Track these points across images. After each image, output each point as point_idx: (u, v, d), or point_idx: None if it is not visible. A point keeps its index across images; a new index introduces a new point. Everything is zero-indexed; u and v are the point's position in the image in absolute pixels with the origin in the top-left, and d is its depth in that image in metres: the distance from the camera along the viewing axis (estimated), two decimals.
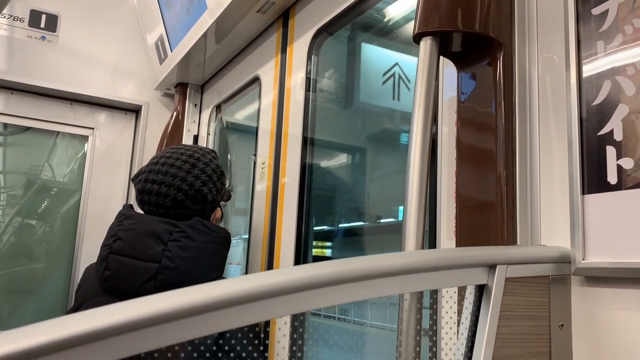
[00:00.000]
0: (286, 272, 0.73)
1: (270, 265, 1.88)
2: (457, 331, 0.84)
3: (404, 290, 0.79)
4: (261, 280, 0.70)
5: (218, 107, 2.75)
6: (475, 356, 0.76)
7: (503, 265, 0.79)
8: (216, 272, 1.70)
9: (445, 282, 0.79)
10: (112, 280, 1.61)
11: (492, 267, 0.79)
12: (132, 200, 2.88)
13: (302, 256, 1.75)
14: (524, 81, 0.99)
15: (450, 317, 1.00)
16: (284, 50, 2.04)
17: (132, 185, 2.94)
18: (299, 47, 1.94)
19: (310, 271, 0.74)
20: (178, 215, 1.68)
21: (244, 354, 1.53)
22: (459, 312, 0.90)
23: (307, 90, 1.86)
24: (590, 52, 0.85)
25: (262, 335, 1.74)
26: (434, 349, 1.09)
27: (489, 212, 0.97)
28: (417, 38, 1.01)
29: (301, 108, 1.86)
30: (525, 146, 0.98)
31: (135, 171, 2.92)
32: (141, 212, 1.74)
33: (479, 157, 1.02)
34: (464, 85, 1.06)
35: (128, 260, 1.61)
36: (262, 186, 2.05)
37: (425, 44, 0.98)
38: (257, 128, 2.19)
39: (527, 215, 0.95)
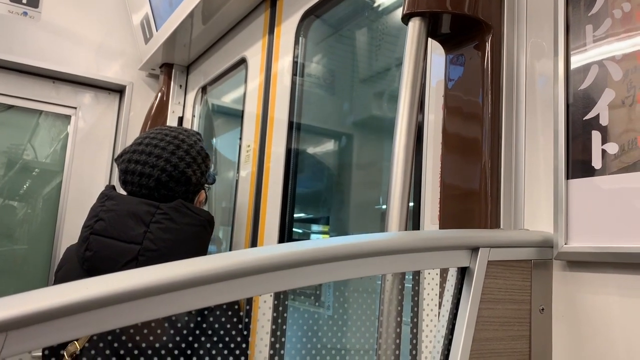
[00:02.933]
0: (268, 249, 0.72)
1: (254, 247, 1.88)
2: (439, 313, 0.84)
3: (386, 270, 0.78)
4: (242, 256, 0.69)
5: (204, 89, 2.72)
6: (455, 338, 0.76)
7: (486, 248, 0.79)
8: (198, 254, 1.67)
9: (428, 263, 0.78)
10: (93, 261, 1.59)
11: (474, 249, 0.79)
12: (115, 182, 2.84)
13: (286, 238, 1.74)
14: (511, 65, 0.99)
15: (432, 299, 1.00)
16: (271, 31, 2.01)
17: (115, 166, 2.91)
18: (287, 29, 1.92)
19: (291, 249, 0.73)
20: (161, 197, 1.66)
21: (222, 332, 1.53)
22: (441, 294, 0.90)
23: (294, 73, 1.84)
24: (578, 36, 0.85)
25: (242, 314, 1.74)
26: (415, 330, 1.10)
27: (473, 198, 0.97)
28: (406, 19, 0.99)
29: (288, 91, 1.84)
30: (512, 132, 0.97)
31: (118, 152, 2.88)
32: (124, 193, 1.72)
33: (464, 144, 1.01)
34: (451, 69, 1.05)
35: (109, 241, 1.59)
36: (247, 169, 2.03)
37: (414, 24, 0.97)
38: (242, 110, 2.17)
39: (510, 200, 0.94)
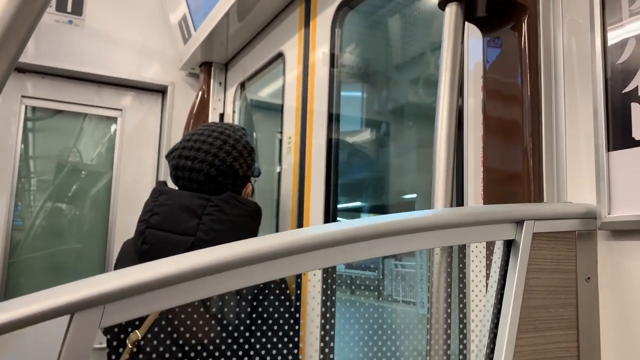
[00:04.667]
0: (324, 227, 0.77)
1: None
2: (486, 284, 0.88)
3: (435, 244, 0.83)
4: (300, 234, 0.74)
5: (242, 85, 2.79)
6: (504, 307, 0.80)
7: (530, 221, 0.82)
8: None
9: (474, 237, 0.82)
10: (149, 253, 1.68)
11: (519, 222, 0.83)
12: (162, 178, 2.95)
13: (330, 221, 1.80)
14: (548, 44, 1.01)
15: (480, 271, 1.03)
16: (307, 25, 2.06)
17: (161, 164, 3.02)
18: (323, 21, 1.96)
19: (345, 226, 0.78)
20: (211, 190, 1.73)
21: (276, 316, 1.59)
22: (488, 266, 0.94)
23: (332, 65, 1.88)
24: (614, 10, 0.87)
25: (292, 298, 1.81)
26: (464, 300, 1.13)
27: (516, 178, 1.00)
28: (442, 4, 1.03)
29: (326, 82, 1.88)
30: (551, 110, 1.00)
31: (164, 151, 2.99)
32: (175, 188, 1.80)
33: (505, 125, 1.04)
34: (489, 51, 1.08)
35: (164, 234, 1.67)
36: (289, 161, 2.09)
37: (451, 9, 1.01)
38: (282, 103, 2.23)
39: (553, 177, 0.97)
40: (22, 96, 2.87)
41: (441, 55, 0.99)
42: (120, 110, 3.06)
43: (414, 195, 2.05)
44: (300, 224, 1.95)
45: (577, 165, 0.95)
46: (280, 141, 2.72)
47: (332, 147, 1.85)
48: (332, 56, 1.89)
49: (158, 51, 3.05)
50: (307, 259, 0.69)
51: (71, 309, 0.54)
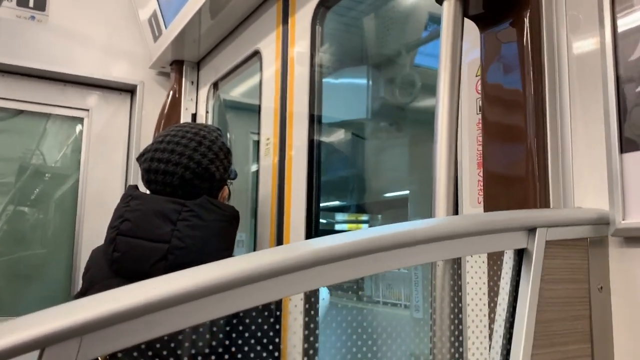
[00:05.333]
0: (313, 243, 0.70)
1: (279, 238, 1.86)
2: (489, 297, 0.83)
3: (441, 257, 0.77)
4: (293, 252, 0.67)
5: (215, 84, 2.70)
6: (517, 321, 0.75)
7: (543, 228, 0.77)
8: (227, 250, 1.67)
9: (484, 247, 0.77)
10: (121, 261, 1.58)
11: (531, 230, 0.77)
12: (132, 182, 2.84)
13: (313, 229, 1.73)
14: (551, 40, 0.96)
15: (476, 283, 0.98)
16: (285, 21, 1.99)
17: (130, 167, 2.90)
18: (302, 18, 1.89)
19: (340, 241, 0.71)
20: (186, 194, 1.65)
21: (259, 333, 1.51)
22: (491, 278, 0.88)
23: (312, 63, 1.81)
24: (625, 4, 0.82)
25: (278, 313, 1.72)
26: (460, 316, 1.08)
27: (520, 181, 0.95)
28: None
29: (306, 81, 1.81)
30: (556, 110, 0.95)
31: (133, 153, 2.87)
32: (147, 192, 1.70)
33: (506, 126, 0.99)
34: (487, 48, 1.03)
35: (136, 241, 1.58)
36: (268, 162, 2.01)
37: (449, 4, 0.95)
38: (259, 103, 2.15)
39: (559, 180, 0.92)
40: None
41: (440, 52, 0.94)
42: (87, 110, 2.93)
43: (398, 193, 2.00)
44: (280, 227, 1.88)
45: (584, 168, 0.91)
46: (256, 142, 2.64)
47: (314, 147, 1.78)
48: (313, 54, 1.82)
49: (126, 49, 2.92)
50: (309, 276, 0.62)
51: (41, 344, 0.46)
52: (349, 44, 2.29)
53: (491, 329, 0.87)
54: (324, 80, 1.89)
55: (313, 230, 1.73)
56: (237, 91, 2.73)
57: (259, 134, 2.13)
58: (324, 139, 1.96)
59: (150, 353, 0.66)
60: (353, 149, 2.30)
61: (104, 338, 0.49)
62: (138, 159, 1.75)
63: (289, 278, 0.64)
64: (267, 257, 0.63)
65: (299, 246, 0.68)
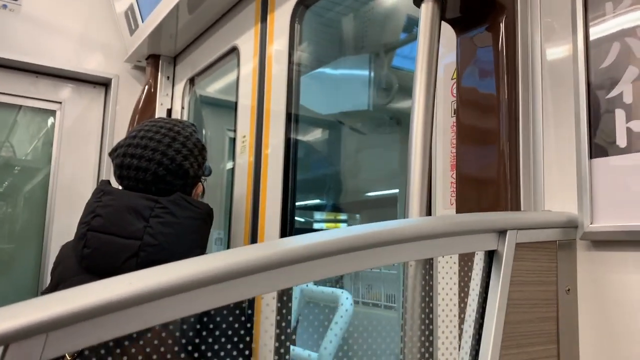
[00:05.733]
0: (286, 241, 0.70)
1: (254, 238, 1.85)
2: (460, 298, 0.84)
3: (413, 257, 0.77)
4: (265, 250, 0.67)
5: (192, 80, 2.67)
6: (486, 323, 0.76)
7: (513, 231, 0.78)
8: (199, 248, 1.66)
9: (455, 248, 0.77)
10: (91, 258, 1.55)
11: (502, 232, 0.78)
12: (104, 177, 2.79)
13: (288, 227, 1.72)
14: (526, 46, 0.98)
15: (447, 284, 0.99)
16: (264, 19, 1.98)
17: (103, 162, 2.86)
18: (281, 15, 1.88)
19: (313, 240, 0.71)
20: (159, 191, 1.62)
21: (230, 332, 1.49)
22: (462, 279, 0.89)
23: (291, 61, 1.81)
24: (598, 13, 0.84)
25: (250, 312, 1.71)
26: (430, 316, 1.09)
27: (492, 183, 0.96)
28: (417, 1, 0.98)
29: (284, 78, 1.81)
30: (528, 115, 0.96)
31: (106, 147, 2.82)
32: (119, 187, 1.68)
33: (479, 129, 1.00)
34: (462, 53, 1.04)
35: (108, 237, 1.55)
36: (244, 159, 2.00)
37: (427, 7, 0.96)
38: (236, 100, 2.13)
39: (529, 183, 0.94)
40: None
41: (417, 54, 0.94)
42: (59, 103, 2.87)
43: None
44: (254, 226, 1.87)
45: (554, 172, 0.92)
46: (232, 139, 2.63)
47: (291, 145, 1.78)
48: (291, 52, 1.81)
49: (102, 41, 2.87)
50: (281, 275, 0.62)
51: (5, 340, 0.45)
52: (327, 43, 2.28)
53: (461, 329, 0.88)
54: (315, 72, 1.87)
55: (288, 229, 1.73)
56: (213, 87, 2.70)
57: (235, 131, 2.11)
58: (303, 137, 1.95)
59: (118, 351, 0.65)
60: (334, 147, 2.29)
61: (71, 335, 0.48)
62: (110, 154, 1.72)
63: (261, 276, 0.64)
64: (239, 255, 0.62)
65: (271, 245, 0.68)
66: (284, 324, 1.57)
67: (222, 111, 2.84)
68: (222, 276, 0.56)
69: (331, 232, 0.74)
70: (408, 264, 0.85)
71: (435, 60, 0.94)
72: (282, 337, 1.49)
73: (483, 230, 0.78)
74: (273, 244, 0.68)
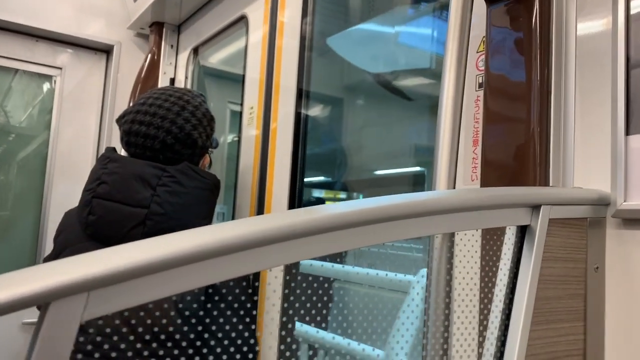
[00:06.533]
0: (300, 212, 0.67)
1: (260, 210, 1.84)
2: (483, 273, 0.82)
3: (446, 229, 0.76)
4: (291, 218, 0.64)
5: (195, 50, 2.62)
6: (517, 298, 0.75)
7: (547, 206, 0.77)
8: (206, 219, 1.64)
9: (488, 221, 0.76)
10: (97, 225, 1.53)
11: (535, 207, 0.77)
12: (104, 145, 2.75)
13: (296, 201, 1.70)
14: (560, 20, 0.95)
15: (469, 261, 0.97)
16: None
17: (103, 130, 2.81)
18: None
19: (338, 210, 0.69)
20: (166, 159, 1.60)
21: (235, 304, 1.48)
22: (484, 256, 0.88)
23: (304, 31, 1.77)
24: None
25: (257, 284, 1.70)
26: (448, 289, 1.07)
27: (519, 160, 0.94)
28: None
29: (296, 49, 1.77)
30: (560, 92, 0.94)
31: (107, 114, 2.78)
32: (125, 154, 1.65)
33: (509, 106, 0.98)
34: (493, 24, 1.01)
35: (114, 205, 1.53)
36: (251, 132, 1.97)
37: None
38: (244, 71, 2.09)
39: (559, 160, 0.92)
40: None
41: (448, 25, 0.92)
42: (59, 68, 2.80)
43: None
44: (261, 198, 1.84)
45: (585, 150, 0.91)
46: (233, 112, 2.59)
47: (301, 118, 1.75)
48: (304, 20, 1.77)
49: (104, 7, 2.80)
50: (292, 247, 0.60)
51: (47, 297, 0.43)
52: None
53: (483, 304, 0.87)
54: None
55: (297, 202, 1.71)
56: (216, 58, 2.65)
57: (241, 104, 2.08)
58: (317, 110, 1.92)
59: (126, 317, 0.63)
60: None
61: (112, 295, 0.46)
62: (118, 121, 1.69)
63: (270, 249, 0.60)
64: (274, 221, 0.60)
65: (297, 212, 0.66)
66: (292, 298, 1.56)
67: (224, 83, 2.80)
68: (268, 239, 0.54)
69: (358, 202, 0.72)
70: (434, 235, 0.83)
71: (467, 34, 0.91)
72: (290, 312, 1.49)
73: (517, 205, 0.76)
74: (298, 212, 0.66)
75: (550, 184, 0.91)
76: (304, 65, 1.75)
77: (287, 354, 1.02)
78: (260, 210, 1.84)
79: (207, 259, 0.48)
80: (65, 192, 2.72)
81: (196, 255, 0.48)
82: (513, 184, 0.93)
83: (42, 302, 0.43)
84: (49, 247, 2.63)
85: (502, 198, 0.75)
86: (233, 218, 2.01)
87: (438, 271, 0.82)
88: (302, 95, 1.75)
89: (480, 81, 1.09)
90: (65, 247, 1.63)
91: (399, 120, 1.94)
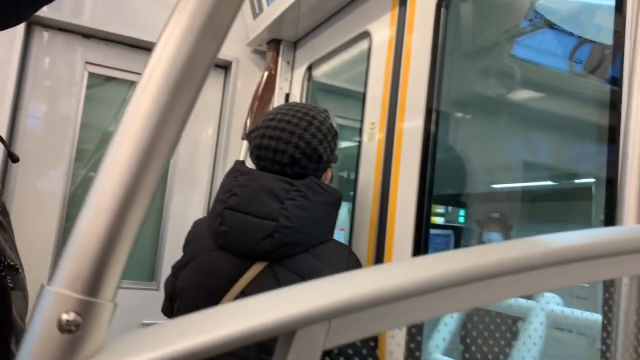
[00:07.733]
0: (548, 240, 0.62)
1: (381, 228, 1.81)
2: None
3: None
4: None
5: (310, 66, 2.65)
6: None
7: None
8: (329, 234, 1.64)
9: None
10: (227, 235, 1.58)
11: None
12: (221, 159, 2.84)
13: (424, 225, 1.66)
14: None
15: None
16: (403, 2, 1.91)
17: (220, 143, 2.91)
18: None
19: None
20: (293, 174, 1.63)
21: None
22: None
23: (435, 51, 1.73)
24: None
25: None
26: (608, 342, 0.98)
27: None
28: None
29: (426, 69, 1.73)
30: None
31: (224, 129, 2.88)
32: (253, 168, 1.69)
33: None
34: None
35: (244, 216, 1.57)
36: (372, 147, 1.95)
37: None
38: (365, 88, 2.08)
39: None
40: (86, 62, 2.78)
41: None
42: None
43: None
44: (382, 217, 1.82)
45: None
46: (343, 126, 2.59)
47: (430, 136, 1.71)
48: (436, 41, 1.73)
49: None
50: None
51: (294, 325, 0.42)
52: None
53: None
54: None
55: (424, 220, 1.67)
56: (329, 73, 2.68)
57: (361, 120, 2.07)
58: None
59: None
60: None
61: (352, 323, 0.44)
62: (248, 136, 1.75)
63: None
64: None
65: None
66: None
67: (332, 97, 2.82)
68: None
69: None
70: (621, 281, 0.76)
71: None
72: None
73: None
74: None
75: None
76: (434, 85, 1.71)
77: None
78: (381, 227, 1.81)
79: (455, 286, 0.46)
80: (183, 202, 2.84)
81: (443, 284, 0.45)
82: None
83: (291, 328, 0.42)
84: (167, 253, 2.74)
85: None
86: (350, 238, 2.00)
87: (626, 323, 0.75)
88: (432, 114, 1.71)
89: None
90: (195, 255, 1.69)
91: None
